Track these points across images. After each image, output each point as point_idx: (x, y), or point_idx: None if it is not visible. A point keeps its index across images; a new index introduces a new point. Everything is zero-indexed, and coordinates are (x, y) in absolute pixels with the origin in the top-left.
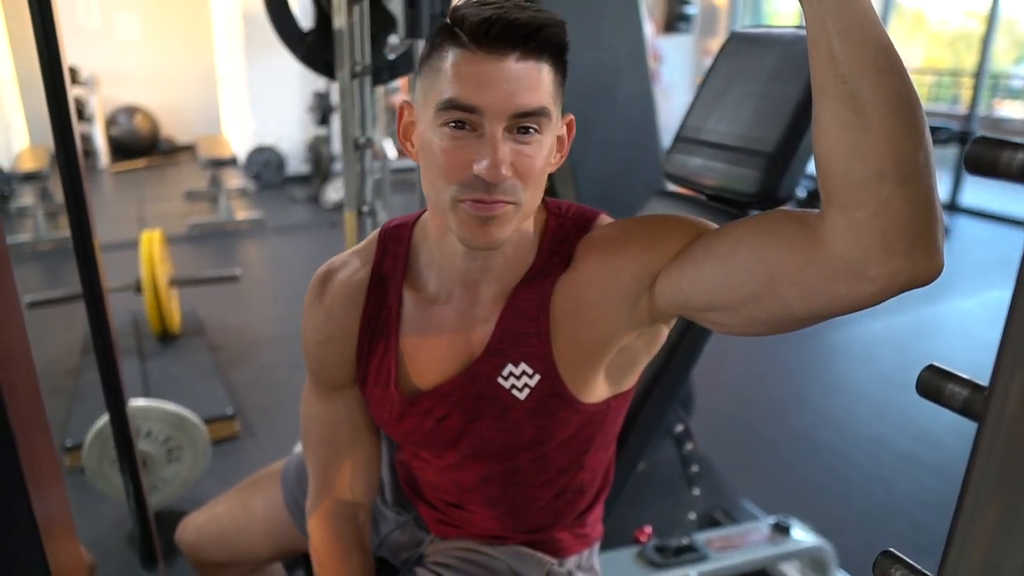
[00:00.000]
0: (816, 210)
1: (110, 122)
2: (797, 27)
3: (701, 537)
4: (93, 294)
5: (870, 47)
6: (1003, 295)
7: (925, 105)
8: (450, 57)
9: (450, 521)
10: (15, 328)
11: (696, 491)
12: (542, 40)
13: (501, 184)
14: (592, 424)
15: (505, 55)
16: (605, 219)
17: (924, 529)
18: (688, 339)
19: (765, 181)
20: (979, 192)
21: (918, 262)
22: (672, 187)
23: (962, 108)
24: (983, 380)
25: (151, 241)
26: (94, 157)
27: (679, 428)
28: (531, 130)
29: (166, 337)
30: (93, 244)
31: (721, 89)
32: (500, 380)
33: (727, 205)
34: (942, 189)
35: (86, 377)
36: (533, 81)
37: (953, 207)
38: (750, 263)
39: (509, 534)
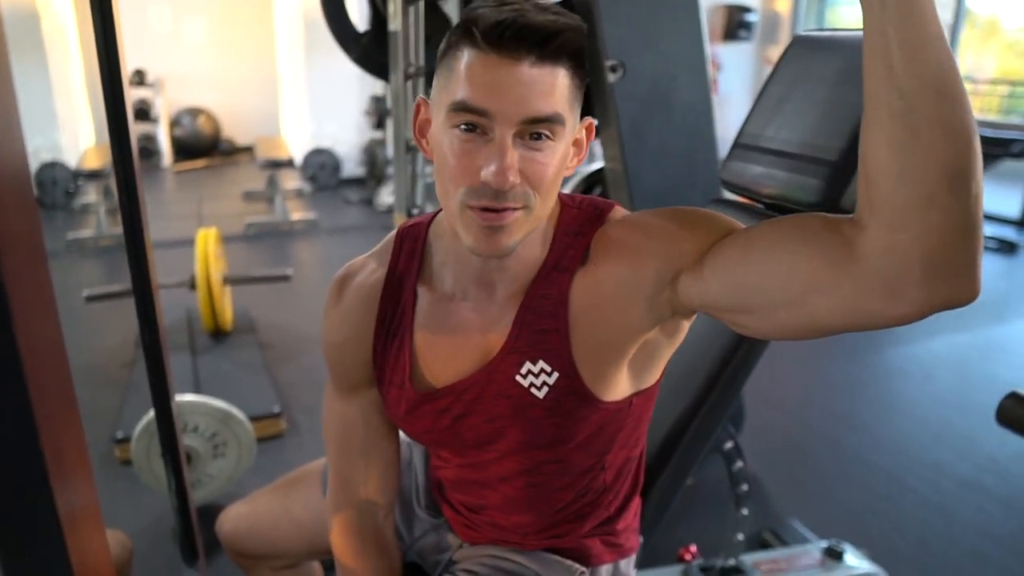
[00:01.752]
0: (851, 216)
1: (174, 123)
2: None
3: (748, 559)
4: (142, 290)
5: (932, 64)
6: None
7: (997, 118)
8: (464, 57)
9: (472, 525)
10: (48, 319)
11: (745, 511)
12: (558, 45)
13: (510, 191)
14: (614, 423)
15: (519, 59)
16: (620, 211)
17: (987, 562)
18: (741, 354)
19: (828, 191)
20: None
21: (956, 287)
22: (728, 195)
23: None
24: None
25: (206, 239)
26: (158, 157)
27: (728, 445)
28: (543, 136)
29: (218, 334)
30: (144, 241)
31: (783, 95)
32: (518, 378)
33: (786, 215)
34: (1014, 204)
35: (140, 370)
36: (547, 87)
37: None
38: (784, 270)
39: (532, 538)
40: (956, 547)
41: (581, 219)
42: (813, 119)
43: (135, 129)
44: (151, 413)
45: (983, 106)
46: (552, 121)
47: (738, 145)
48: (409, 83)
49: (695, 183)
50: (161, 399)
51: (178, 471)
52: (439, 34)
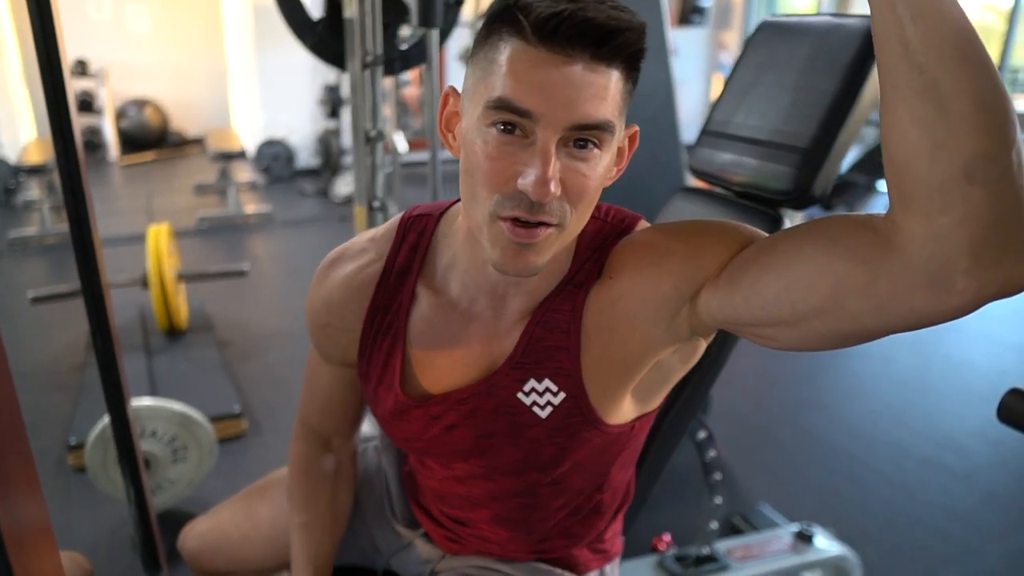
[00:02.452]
0: (881, 213)
1: (120, 115)
2: (832, 14)
3: (722, 546)
4: (92, 290)
5: (951, 33)
6: None
7: None
8: (508, 50)
9: (457, 538)
10: None
11: (718, 499)
12: (618, 46)
13: (547, 204)
14: (615, 445)
15: (572, 57)
16: (645, 224)
17: (950, 539)
18: (712, 350)
19: (799, 178)
20: None
21: (1010, 270)
22: (694, 182)
23: None
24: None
25: (158, 235)
26: (104, 150)
27: (702, 435)
28: (590, 144)
29: (173, 332)
30: (92, 238)
31: (751, 81)
32: (520, 396)
33: (757, 203)
34: None
35: (92, 373)
36: (600, 90)
37: None
38: (813, 276)
39: (521, 553)
40: (920, 525)
41: (605, 232)
42: (783, 106)
43: (78, 121)
44: (107, 417)
45: None
46: (602, 129)
47: (707, 132)
48: (367, 72)
49: (660, 170)
50: (116, 403)
51: (136, 478)
52: (397, 21)
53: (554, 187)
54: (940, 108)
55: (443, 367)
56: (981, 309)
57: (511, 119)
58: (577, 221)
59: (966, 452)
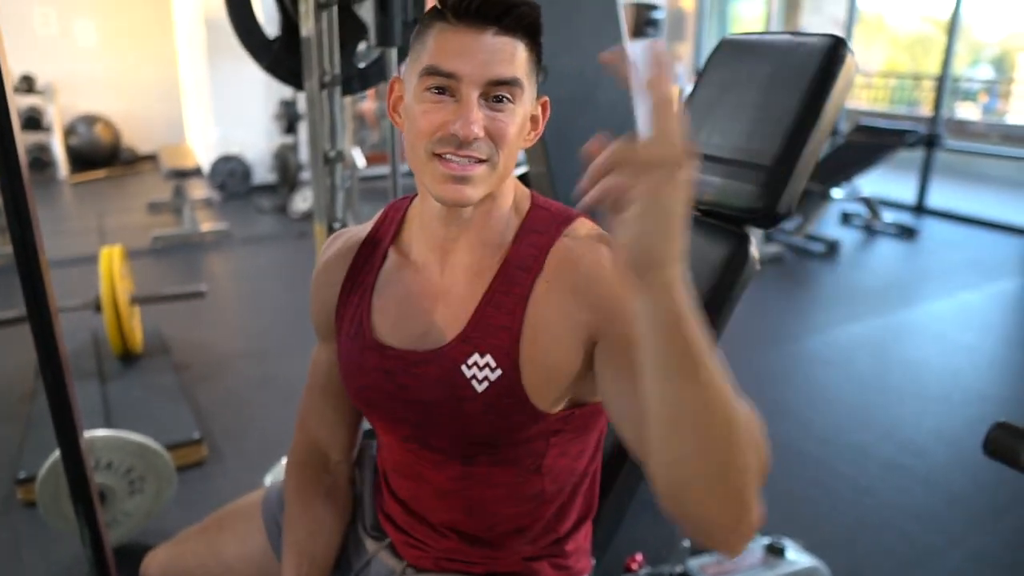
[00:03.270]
0: None
1: (69, 131)
2: (792, 33)
3: (695, 563)
4: (40, 314)
5: (688, 352)
6: (974, 297)
7: (888, 108)
8: (434, 31)
9: (417, 543)
10: None
11: None
12: (516, 18)
13: (474, 142)
14: (550, 429)
15: (483, 28)
16: (584, 225)
17: (913, 541)
18: None
19: (765, 196)
20: (945, 194)
21: (730, 547)
22: None
23: (920, 110)
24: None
25: (111, 257)
26: (52, 168)
27: None
28: (504, 99)
29: (128, 357)
30: (40, 260)
31: (713, 99)
32: (464, 368)
33: (723, 221)
34: (910, 192)
35: (41, 402)
36: (508, 55)
37: (921, 209)
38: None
39: (477, 559)
40: (885, 529)
41: (547, 219)
42: (745, 124)
43: (22, 139)
44: (58, 451)
45: (874, 97)
46: (513, 84)
47: None
48: (325, 92)
49: None
50: (67, 434)
51: (91, 513)
52: (354, 40)
53: (477, 128)
54: (673, 425)
55: (398, 317)
56: (932, 310)
57: (440, 83)
58: (504, 161)
59: (926, 453)
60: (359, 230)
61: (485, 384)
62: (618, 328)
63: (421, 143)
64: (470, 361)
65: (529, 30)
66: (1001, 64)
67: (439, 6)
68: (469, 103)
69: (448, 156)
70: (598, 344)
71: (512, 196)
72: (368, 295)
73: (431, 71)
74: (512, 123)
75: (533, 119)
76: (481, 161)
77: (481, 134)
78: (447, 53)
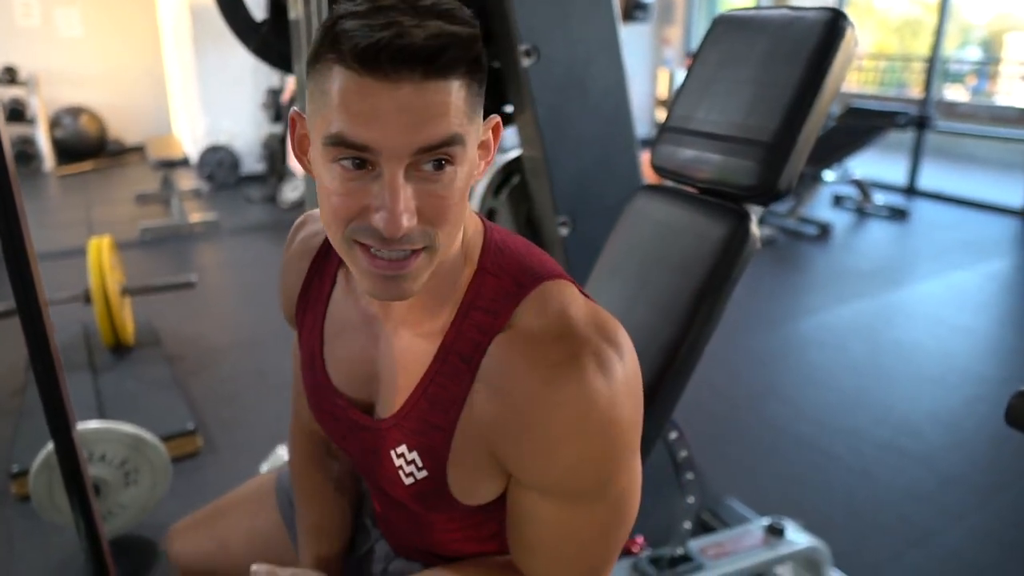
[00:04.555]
0: None
1: (54, 123)
2: (789, 7)
3: (695, 545)
4: (29, 308)
5: None
6: (967, 277)
7: (878, 90)
8: (337, 80)
9: (390, 531)
10: None
11: (691, 499)
12: (446, 63)
13: (405, 237)
14: (482, 511)
15: (400, 82)
16: (548, 290)
17: (912, 522)
18: (688, 342)
19: (764, 172)
20: (936, 176)
21: None
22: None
23: (909, 92)
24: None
25: (100, 248)
26: (38, 160)
27: (674, 435)
28: (442, 163)
29: (120, 349)
30: (28, 253)
31: (710, 76)
32: (393, 454)
33: (722, 199)
34: (901, 173)
35: (33, 396)
36: (439, 107)
37: (912, 191)
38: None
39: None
40: (883, 510)
41: (496, 291)
42: (743, 100)
43: (7, 131)
44: (51, 444)
45: (864, 80)
46: (450, 144)
47: (667, 128)
48: None
49: (615, 167)
50: (60, 427)
51: (86, 506)
52: None
53: (407, 220)
54: None
55: (348, 371)
56: (924, 292)
57: (351, 155)
58: (447, 238)
59: (922, 435)
60: (316, 233)
61: (411, 479)
62: (533, 478)
63: (337, 227)
64: (399, 450)
65: (469, 66)
66: (989, 46)
67: (338, 42)
68: (394, 187)
69: (374, 251)
70: (512, 481)
71: (459, 237)
72: (319, 325)
73: (339, 142)
74: (452, 194)
75: (483, 146)
76: (417, 251)
77: (414, 223)
78: (356, 117)
